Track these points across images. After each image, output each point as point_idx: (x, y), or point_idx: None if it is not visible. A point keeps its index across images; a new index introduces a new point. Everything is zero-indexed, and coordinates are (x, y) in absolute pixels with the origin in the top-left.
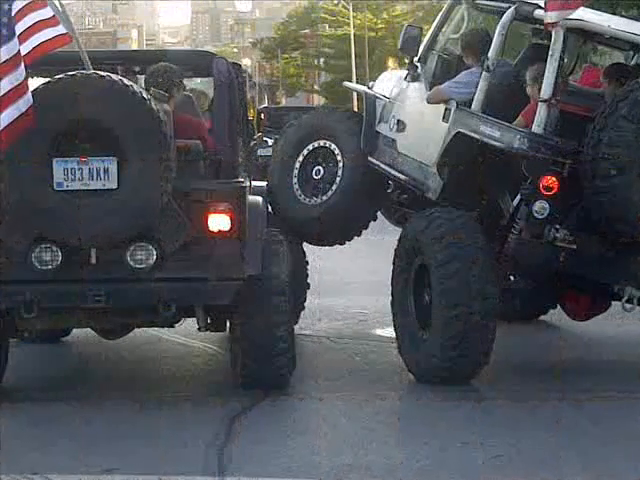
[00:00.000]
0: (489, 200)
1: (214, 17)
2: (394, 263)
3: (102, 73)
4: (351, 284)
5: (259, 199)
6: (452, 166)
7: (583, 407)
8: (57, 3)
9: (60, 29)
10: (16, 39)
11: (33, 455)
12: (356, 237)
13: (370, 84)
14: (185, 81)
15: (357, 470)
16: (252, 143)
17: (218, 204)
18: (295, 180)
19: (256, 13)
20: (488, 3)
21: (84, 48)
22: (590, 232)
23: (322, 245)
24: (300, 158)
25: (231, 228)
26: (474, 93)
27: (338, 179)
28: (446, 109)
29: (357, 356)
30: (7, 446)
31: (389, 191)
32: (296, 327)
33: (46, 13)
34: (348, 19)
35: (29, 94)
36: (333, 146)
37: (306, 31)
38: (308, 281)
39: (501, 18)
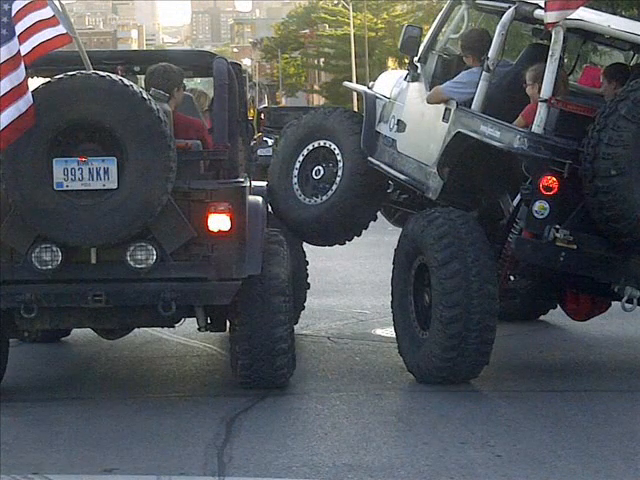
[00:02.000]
0: (489, 200)
1: (214, 17)
2: (394, 263)
3: (102, 73)
4: (351, 284)
5: (259, 199)
6: (452, 166)
7: (583, 407)
8: (57, 3)
9: (60, 29)
10: (16, 39)
11: (33, 455)
12: (356, 237)
13: (370, 84)
14: (185, 81)
15: (357, 470)
16: (252, 143)
17: (218, 204)
18: (295, 180)
19: (256, 13)
20: (488, 3)
21: (84, 48)
22: (590, 232)
23: (322, 245)
24: (300, 158)
25: (231, 228)
26: (474, 93)
27: (338, 179)
28: (446, 109)
29: (357, 356)
30: (7, 446)
31: (389, 191)
32: (296, 327)
33: (46, 13)
34: (348, 19)
35: (29, 94)
36: (333, 146)
37: (306, 31)
38: (308, 281)
39: (501, 18)
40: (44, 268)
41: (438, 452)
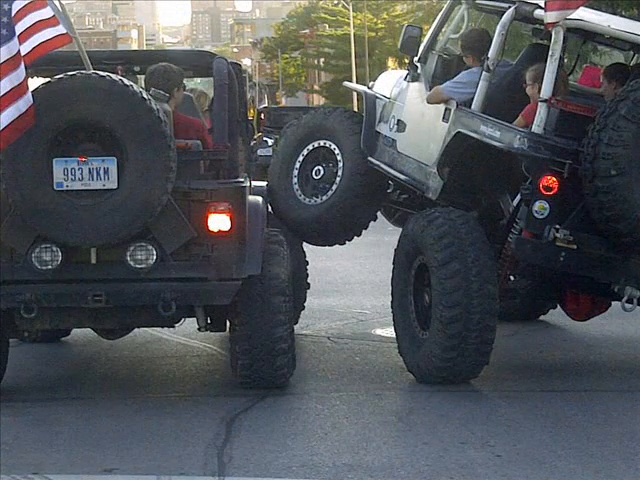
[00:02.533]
0: (489, 200)
1: (214, 17)
2: (394, 263)
3: (102, 73)
4: (351, 284)
5: (259, 199)
6: (452, 166)
7: (583, 407)
8: (57, 3)
9: (60, 29)
10: (16, 39)
11: (33, 455)
12: (356, 237)
13: (370, 84)
14: (185, 81)
15: (357, 470)
16: (252, 143)
17: (218, 204)
18: (295, 180)
19: (256, 13)
20: (488, 3)
21: (84, 48)
22: (590, 232)
23: (322, 245)
24: (300, 158)
25: (231, 228)
26: (474, 93)
27: (338, 179)
28: (446, 109)
29: (357, 356)
30: (7, 446)
31: (389, 191)
32: (296, 327)
33: (46, 13)
34: (348, 19)
35: (29, 94)
36: (333, 146)
37: (306, 31)
38: (308, 281)
39: (501, 18)
40: (44, 268)
41: (438, 452)
